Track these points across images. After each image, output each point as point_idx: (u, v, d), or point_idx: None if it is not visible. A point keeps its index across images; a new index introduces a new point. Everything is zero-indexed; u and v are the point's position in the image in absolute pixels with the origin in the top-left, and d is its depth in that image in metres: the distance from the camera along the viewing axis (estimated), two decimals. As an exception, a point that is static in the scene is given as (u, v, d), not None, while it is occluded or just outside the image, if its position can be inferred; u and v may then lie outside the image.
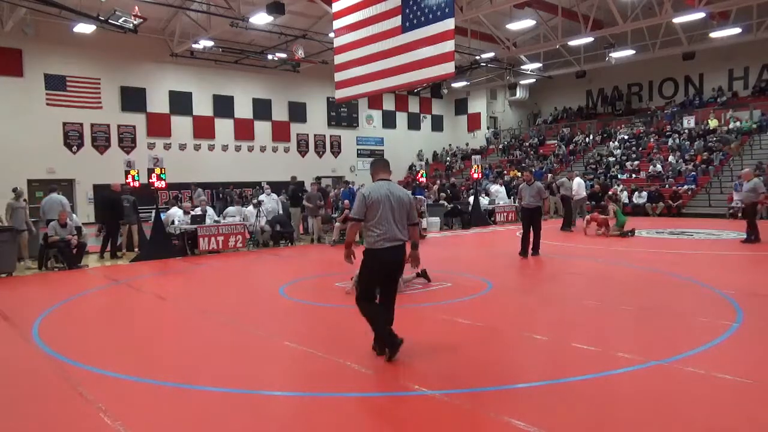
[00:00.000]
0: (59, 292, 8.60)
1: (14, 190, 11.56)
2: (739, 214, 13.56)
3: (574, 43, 23.74)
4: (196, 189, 21.04)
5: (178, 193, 22.00)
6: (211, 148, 25.52)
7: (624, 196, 20.94)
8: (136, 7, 16.01)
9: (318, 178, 16.29)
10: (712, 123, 24.71)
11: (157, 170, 12.07)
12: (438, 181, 23.26)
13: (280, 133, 27.88)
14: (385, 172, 4.87)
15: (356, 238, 5.05)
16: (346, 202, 14.72)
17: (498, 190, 20.42)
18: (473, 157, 21.88)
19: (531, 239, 10.66)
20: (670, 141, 25.12)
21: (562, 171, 27.09)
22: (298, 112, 28.48)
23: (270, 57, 23.43)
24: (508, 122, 35.00)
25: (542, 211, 10.35)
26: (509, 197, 20.54)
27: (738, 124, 23.83)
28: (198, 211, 13.17)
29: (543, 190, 10.53)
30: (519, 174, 26.38)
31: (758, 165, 20.64)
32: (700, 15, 19.57)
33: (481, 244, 14.38)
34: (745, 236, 11.86)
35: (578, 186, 16.06)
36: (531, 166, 27.78)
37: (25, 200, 11.61)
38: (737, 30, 21.40)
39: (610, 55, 24.43)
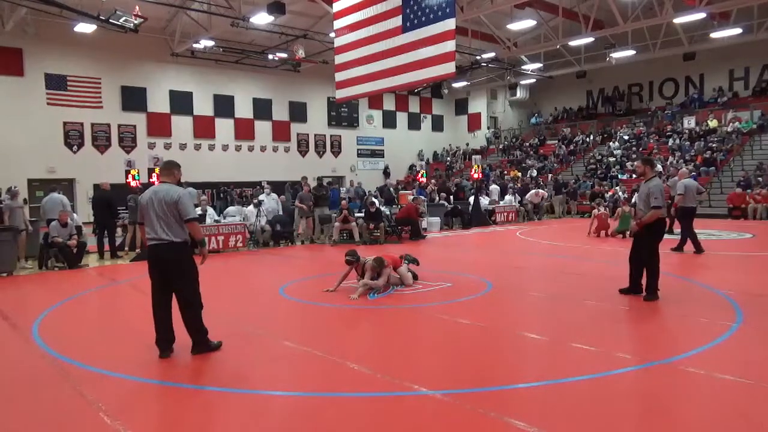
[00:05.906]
0: (59, 292, 8.60)
1: (8, 190, 11.46)
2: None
3: (574, 43, 23.74)
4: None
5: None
6: (211, 147, 25.51)
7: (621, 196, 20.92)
8: (137, 7, 16.00)
9: (320, 178, 16.23)
10: (712, 123, 24.71)
11: (157, 170, 12.07)
12: (433, 182, 23.10)
13: (281, 132, 27.86)
14: (165, 176, 4.99)
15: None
16: (344, 202, 14.78)
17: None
18: (473, 157, 21.89)
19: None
20: (671, 141, 25.12)
21: (563, 171, 27.10)
22: (298, 111, 28.47)
23: (270, 57, 23.41)
24: (508, 122, 34.99)
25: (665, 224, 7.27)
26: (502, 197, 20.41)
27: (737, 124, 23.81)
28: (198, 210, 13.17)
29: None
30: (519, 174, 26.33)
31: (759, 165, 20.67)
32: (701, 15, 19.56)
33: (481, 244, 14.38)
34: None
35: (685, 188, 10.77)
36: (532, 166, 27.77)
37: (25, 199, 11.53)
38: (738, 30, 21.41)
39: (610, 55, 24.45)
